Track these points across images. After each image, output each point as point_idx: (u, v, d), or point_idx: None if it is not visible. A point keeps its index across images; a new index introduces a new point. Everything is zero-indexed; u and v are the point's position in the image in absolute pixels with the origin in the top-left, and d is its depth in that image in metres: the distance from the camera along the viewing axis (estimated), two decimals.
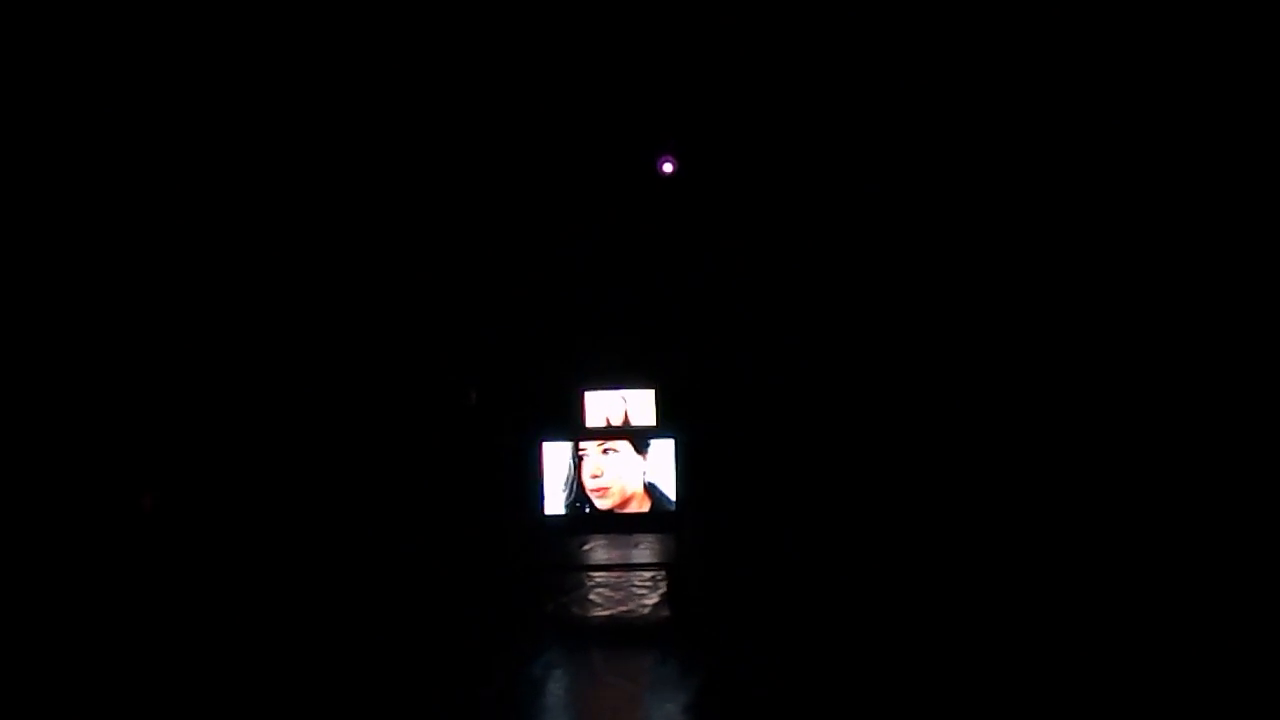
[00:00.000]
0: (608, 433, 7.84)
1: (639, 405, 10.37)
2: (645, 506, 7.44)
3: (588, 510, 7.36)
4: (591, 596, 7.15)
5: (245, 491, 8.57)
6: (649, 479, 7.43)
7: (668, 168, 11.11)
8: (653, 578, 7.59)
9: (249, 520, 8.33)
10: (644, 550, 7.53)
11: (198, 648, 6.09)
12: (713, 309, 12.34)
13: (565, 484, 7.33)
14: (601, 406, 10.40)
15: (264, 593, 7.26)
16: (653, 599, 7.12)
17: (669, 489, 7.47)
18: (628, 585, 7.42)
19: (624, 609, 6.76)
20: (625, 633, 6.38)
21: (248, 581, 7.43)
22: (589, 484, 7.35)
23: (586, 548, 8.00)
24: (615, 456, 7.38)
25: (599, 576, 7.55)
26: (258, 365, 9.36)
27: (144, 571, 7.28)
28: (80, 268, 8.26)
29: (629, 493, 7.43)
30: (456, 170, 11.06)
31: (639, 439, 7.54)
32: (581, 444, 7.34)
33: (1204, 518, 7.76)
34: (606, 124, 11.35)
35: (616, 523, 7.47)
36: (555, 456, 7.34)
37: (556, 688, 5.51)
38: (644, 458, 7.43)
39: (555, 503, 7.32)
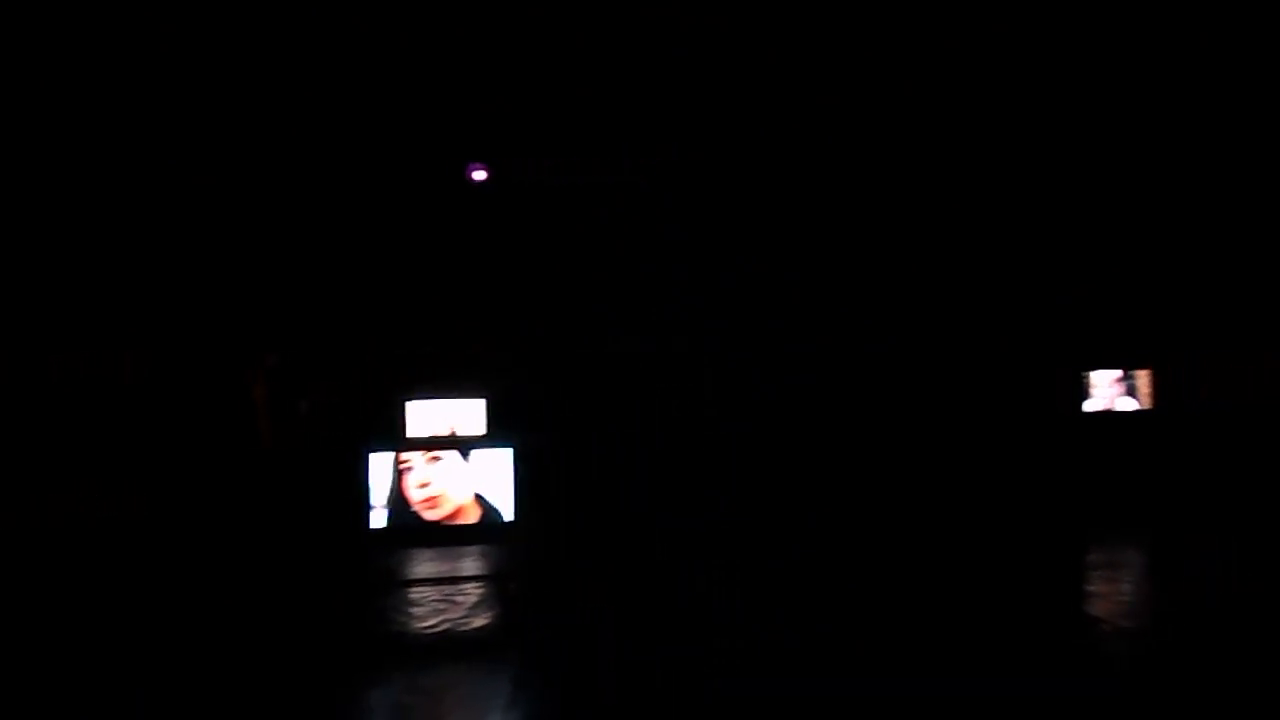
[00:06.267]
0: (440, 442, 7.50)
1: (467, 416, 10.07)
2: (475, 518, 7.17)
3: (414, 523, 7.04)
4: (418, 611, 6.81)
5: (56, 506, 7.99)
6: (479, 489, 7.17)
7: (479, 175, 10.87)
8: (482, 590, 7.29)
9: (63, 537, 7.74)
10: (471, 562, 7.24)
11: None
12: (544, 317, 12.20)
13: (389, 496, 6.98)
14: (426, 417, 10.11)
15: (78, 613, 6.65)
16: (483, 612, 6.84)
17: (500, 499, 7.23)
18: (455, 598, 7.10)
19: (452, 623, 6.46)
20: (454, 648, 6.09)
21: (54, 601, 6.81)
22: (416, 495, 7.05)
23: (411, 561, 7.62)
24: (443, 466, 7.09)
25: (425, 591, 7.20)
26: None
27: None
28: None
29: (458, 503, 7.15)
30: (280, 178, 10.61)
31: (469, 448, 7.27)
32: (404, 455, 7.01)
33: None
34: (422, 134, 11.06)
35: (446, 535, 7.16)
36: (379, 468, 7.00)
37: (382, 709, 5.19)
38: (470, 466, 7.17)
39: (380, 516, 6.97)
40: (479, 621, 6.44)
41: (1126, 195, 13.77)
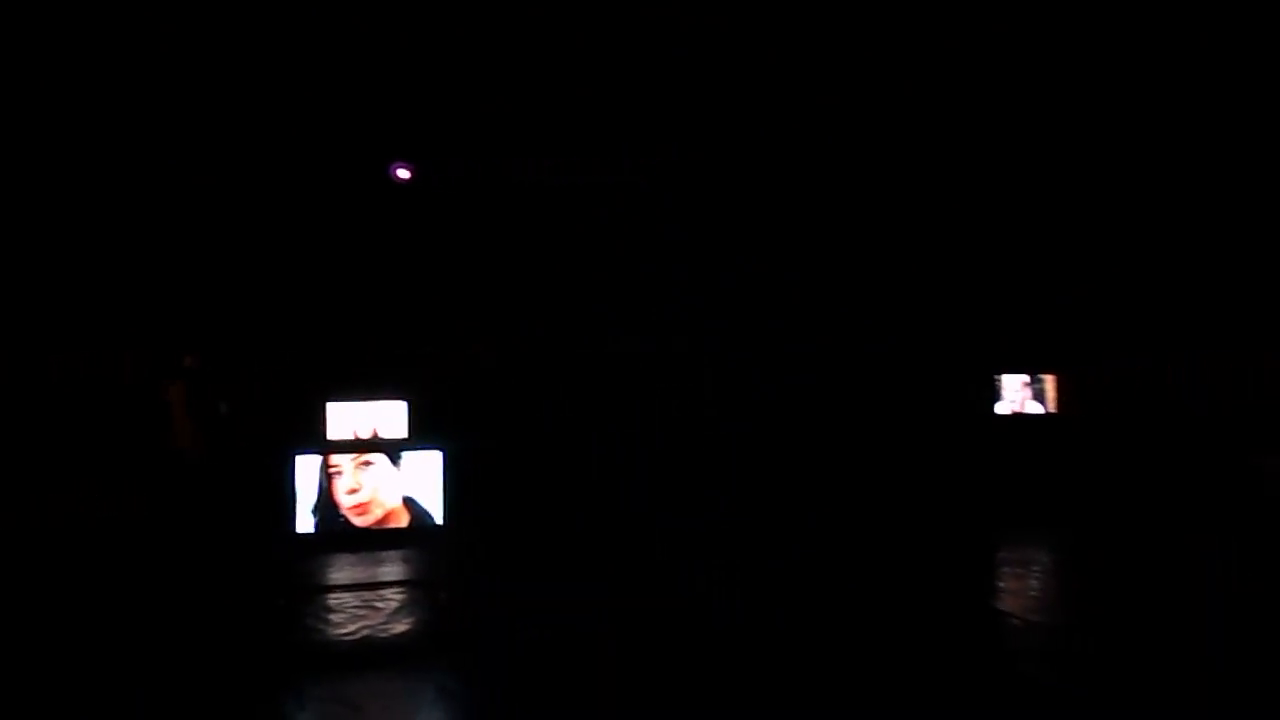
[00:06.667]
0: (369, 445, 7.57)
1: (389, 418, 10.01)
2: (405, 522, 7.23)
3: (342, 528, 7.08)
4: (336, 618, 6.83)
5: None
6: (408, 493, 7.22)
7: (403, 174, 10.90)
8: (404, 595, 7.31)
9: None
10: (397, 566, 7.26)
11: None
12: (468, 319, 12.25)
13: (316, 501, 7.02)
14: (347, 419, 9.99)
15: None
16: (404, 617, 6.87)
17: (430, 503, 7.27)
18: (375, 604, 7.11)
19: (372, 629, 6.49)
20: (374, 655, 6.12)
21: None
22: (346, 501, 7.07)
23: (334, 566, 7.64)
24: (372, 471, 7.13)
25: (344, 597, 7.21)
26: None
27: None
28: None
29: (388, 508, 7.19)
30: (200, 175, 10.67)
31: (399, 451, 7.32)
32: (333, 459, 7.04)
33: None
34: (343, 135, 11.13)
35: (375, 540, 7.21)
36: (306, 471, 7.02)
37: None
38: (399, 470, 7.22)
39: (307, 521, 7.02)
40: (400, 627, 6.46)
41: (1048, 210, 13.74)
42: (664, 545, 8.40)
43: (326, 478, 7.02)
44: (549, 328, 14.01)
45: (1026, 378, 12.80)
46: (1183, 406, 11.86)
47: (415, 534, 7.20)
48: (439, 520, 7.32)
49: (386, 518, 7.19)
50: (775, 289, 14.61)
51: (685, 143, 14.26)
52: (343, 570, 7.33)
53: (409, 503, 7.21)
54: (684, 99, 13.41)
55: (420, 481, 7.25)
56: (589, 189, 14.21)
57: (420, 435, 9.30)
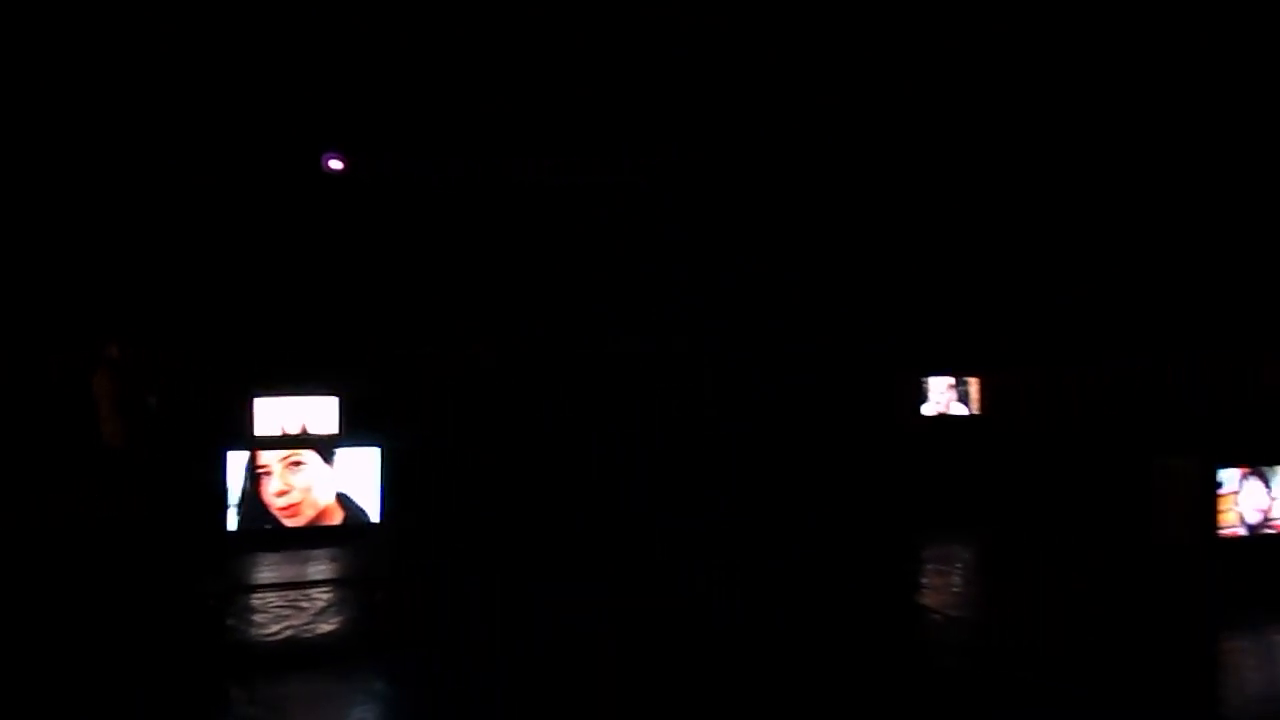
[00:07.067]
0: (304, 441, 7.54)
1: (320, 413, 9.82)
2: (339, 519, 7.23)
3: (272, 526, 7.07)
4: (259, 619, 6.75)
5: None
6: (341, 490, 7.21)
7: (335, 165, 10.88)
8: (335, 594, 7.18)
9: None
10: (326, 565, 7.17)
11: None
12: (400, 313, 12.23)
13: (243, 502, 7.01)
14: (276, 414, 9.76)
15: None
16: (330, 617, 6.78)
17: (366, 500, 7.27)
18: (303, 603, 7.00)
19: (302, 630, 6.41)
20: (298, 656, 6.03)
21: None
22: (275, 502, 7.04)
23: (264, 565, 7.54)
24: (304, 470, 7.11)
25: (269, 597, 7.09)
26: None
27: None
28: None
29: (321, 506, 7.19)
30: (120, 166, 10.64)
31: (333, 448, 7.31)
32: (261, 459, 7.02)
33: None
34: (275, 125, 11.13)
35: (306, 538, 7.18)
36: (235, 470, 7.01)
37: None
38: (332, 467, 7.21)
39: (235, 519, 7.02)
40: (327, 627, 6.38)
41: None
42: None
43: (255, 479, 6.98)
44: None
45: (952, 380, 12.93)
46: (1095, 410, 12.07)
47: (350, 531, 7.16)
48: (375, 518, 7.31)
49: (319, 516, 7.18)
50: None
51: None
52: (273, 569, 7.15)
53: (343, 500, 7.20)
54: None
55: (355, 478, 7.23)
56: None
57: (353, 431, 9.12)
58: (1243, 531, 7.07)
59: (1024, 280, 13.43)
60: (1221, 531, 6.97)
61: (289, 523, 7.06)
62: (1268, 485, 7.14)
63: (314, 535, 7.15)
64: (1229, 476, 7.01)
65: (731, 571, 7.44)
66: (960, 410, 12.92)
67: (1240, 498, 7.02)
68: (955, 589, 7.17)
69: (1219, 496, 6.96)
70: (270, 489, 7.00)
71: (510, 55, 12.06)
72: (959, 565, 7.92)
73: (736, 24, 11.52)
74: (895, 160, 13.95)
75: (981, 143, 13.28)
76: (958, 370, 13.04)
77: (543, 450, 11.94)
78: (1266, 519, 7.13)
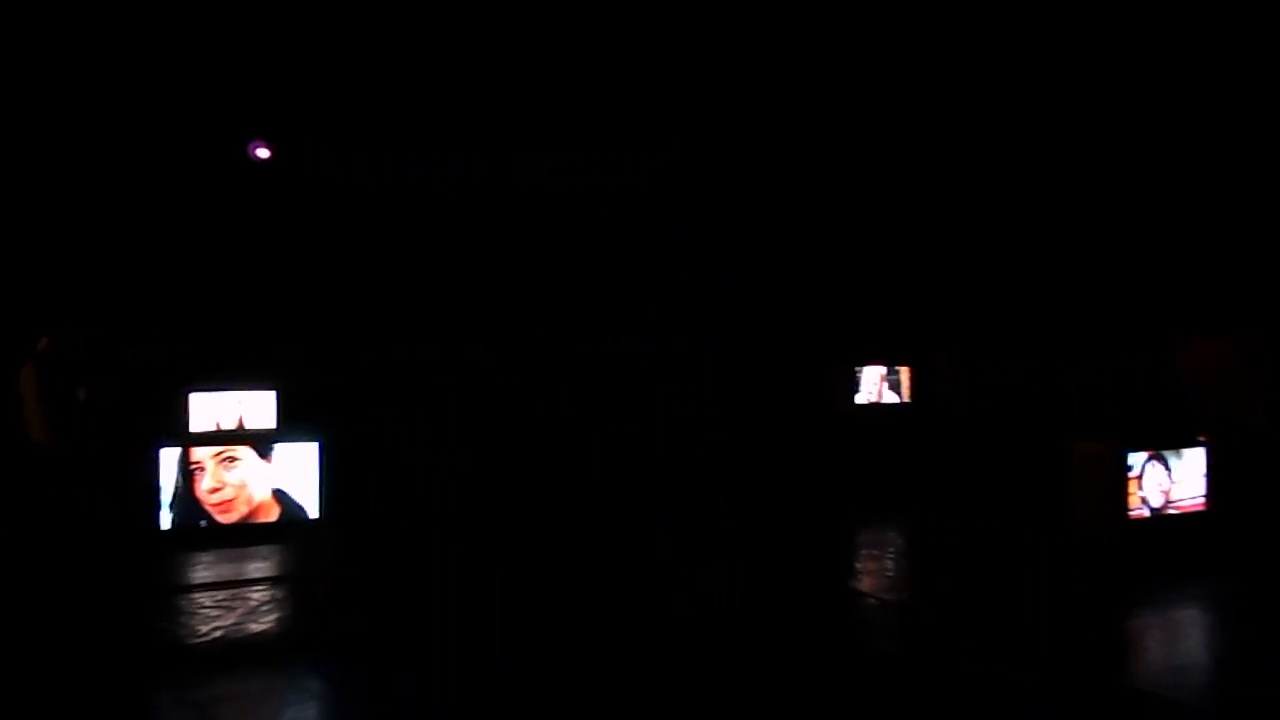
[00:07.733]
0: (240, 437, 7.50)
1: (256, 408, 9.67)
2: (274, 515, 7.20)
3: (205, 524, 7.05)
4: (190, 619, 6.68)
5: None
6: (277, 486, 7.19)
7: (262, 153, 10.76)
8: (270, 592, 7.09)
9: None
10: (261, 563, 7.11)
11: None
12: (339, 304, 12.13)
13: (176, 498, 6.98)
14: (211, 409, 9.61)
15: None
16: (263, 617, 6.71)
17: (304, 497, 7.24)
18: (235, 603, 6.92)
19: (232, 629, 6.35)
20: (237, 656, 5.97)
21: None
22: (208, 499, 7.02)
23: (197, 563, 7.45)
24: (238, 466, 7.10)
25: (201, 596, 7.03)
26: None
27: None
28: None
29: (256, 502, 7.17)
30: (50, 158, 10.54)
31: (270, 443, 7.28)
32: (194, 455, 7.00)
33: None
34: (200, 112, 11.03)
35: (241, 535, 7.15)
36: (167, 467, 7.00)
37: None
38: (269, 463, 7.19)
39: (168, 516, 7.00)
40: (260, 626, 6.33)
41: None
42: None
43: (188, 475, 6.97)
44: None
45: (884, 369, 13.21)
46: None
47: (287, 528, 7.13)
48: (313, 514, 7.28)
49: (254, 512, 7.16)
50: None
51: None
52: (206, 567, 7.08)
53: (280, 496, 7.17)
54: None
55: (292, 474, 7.20)
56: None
57: (291, 426, 8.99)
58: (1146, 513, 7.39)
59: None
60: (1130, 514, 7.29)
61: (222, 519, 7.04)
62: (1168, 468, 7.46)
63: (250, 532, 7.12)
64: (1137, 460, 7.30)
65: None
66: (892, 398, 13.42)
67: (1144, 481, 7.31)
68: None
69: (1128, 480, 7.24)
70: (203, 485, 6.99)
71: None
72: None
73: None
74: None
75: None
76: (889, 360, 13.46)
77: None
78: (1168, 501, 7.47)
